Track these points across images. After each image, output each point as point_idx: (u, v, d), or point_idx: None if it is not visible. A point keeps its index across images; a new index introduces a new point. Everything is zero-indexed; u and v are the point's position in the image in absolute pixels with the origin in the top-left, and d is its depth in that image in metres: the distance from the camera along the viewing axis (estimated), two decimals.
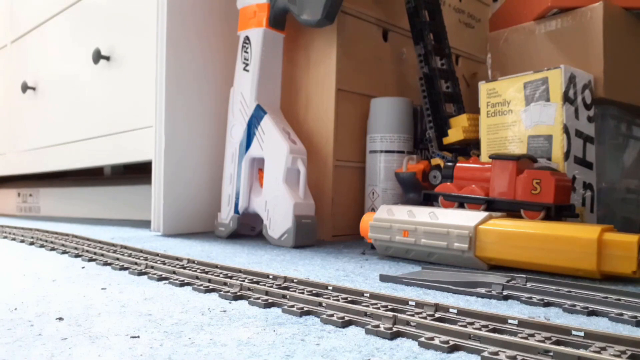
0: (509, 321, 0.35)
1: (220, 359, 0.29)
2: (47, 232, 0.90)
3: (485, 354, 0.29)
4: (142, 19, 0.98)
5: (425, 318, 0.35)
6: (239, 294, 0.44)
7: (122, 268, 0.57)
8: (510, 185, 0.65)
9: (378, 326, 0.34)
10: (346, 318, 0.36)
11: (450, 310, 0.38)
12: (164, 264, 0.57)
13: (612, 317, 0.39)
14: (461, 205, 0.69)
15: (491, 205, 0.66)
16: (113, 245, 0.72)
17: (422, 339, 0.32)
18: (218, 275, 0.50)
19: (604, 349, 0.30)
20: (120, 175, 1.43)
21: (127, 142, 1.02)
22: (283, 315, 0.39)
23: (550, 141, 0.71)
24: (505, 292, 0.46)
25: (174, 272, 0.52)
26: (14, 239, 0.84)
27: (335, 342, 0.32)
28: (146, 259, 0.60)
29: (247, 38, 0.88)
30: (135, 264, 0.57)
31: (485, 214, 0.61)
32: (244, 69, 0.88)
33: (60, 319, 0.37)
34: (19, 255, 0.68)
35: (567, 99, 0.71)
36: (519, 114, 0.74)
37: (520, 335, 0.32)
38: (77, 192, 1.40)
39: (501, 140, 0.76)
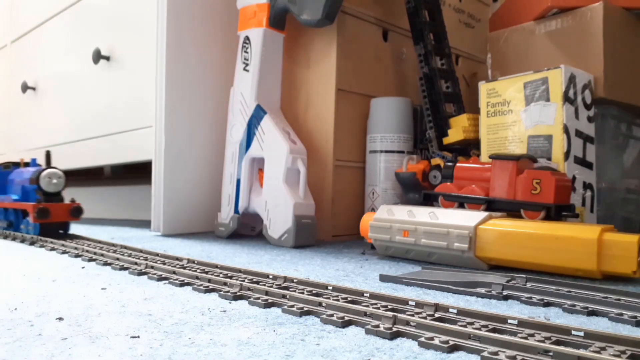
0: (509, 321, 0.34)
1: (220, 359, 0.29)
2: None
3: (485, 354, 0.29)
4: (142, 19, 0.98)
5: (425, 318, 0.35)
6: (239, 294, 0.44)
7: (122, 268, 0.57)
8: (510, 185, 0.65)
9: (378, 326, 0.34)
10: (346, 318, 0.36)
11: (450, 310, 0.38)
12: (164, 264, 0.57)
13: (612, 317, 0.39)
14: (461, 205, 0.69)
15: (491, 205, 0.66)
16: (113, 245, 0.72)
17: (422, 339, 0.32)
18: (218, 275, 0.50)
19: (603, 349, 0.30)
20: (120, 175, 1.43)
21: (127, 142, 1.02)
22: (283, 315, 0.39)
23: (550, 141, 0.71)
24: (505, 292, 0.46)
25: (174, 272, 0.52)
26: (14, 239, 0.84)
27: (335, 342, 0.32)
28: (146, 259, 0.60)
29: (247, 38, 0.88)
30: (135, 264, 0.57)
31: (485, 214, 0.61)
32: (244, 69, 0.88)
33: (60, 319, 0.37)
34: (19, 255, 0.68)
35: (567, 99, 0.71)
36: (519, 114, 0.74)
37: (520, 335, 0.32)
38: (77, 192, 1.40)
39: (501, 140, 0.76)
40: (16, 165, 0.92)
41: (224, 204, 0.89)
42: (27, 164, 0.91)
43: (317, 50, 0.92)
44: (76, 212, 0.81)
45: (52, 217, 0.78)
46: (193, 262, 0.58)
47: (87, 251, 0.66)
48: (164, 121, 0.91)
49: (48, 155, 0.85)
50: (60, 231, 0.83)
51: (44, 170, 0.81)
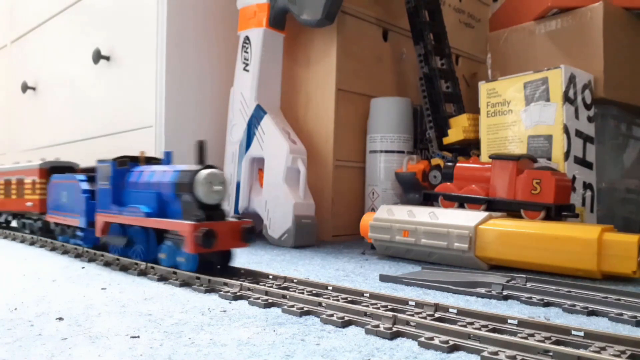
0: (509, 321, 0.34)
1: (220, 359, 0.29)
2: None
3: (485, 353, 0.29)
4: (142, 19, 0.98)
5: (425, 318, 0.35)
6: (239, 294, 0.44)
7: (122, 268, 0.57)
8: (510, 185, 0.65)
9: (378, 326, 0.34)
10: (346, 318, 0.36)
11: (450, 310, 0.38)
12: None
13: (612, 317, 0.39)
14: (461, 205, 0.69)
15: (491, 205, 0.66)
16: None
17: (422, 339, 0.32)
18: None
19: (603, 349, 0.30)
20: None
21: (127, 142, 1.02)
22: (283, 315, 0.39)
23: (550, 141, 0.71)
24: (505, 292, 0.46)
25: (174, 272, 0.52)
26: (14, 239, 0.84)
27: (335, 342, 0.32)
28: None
29: (247, 38, 0.88)
30: (136, 264, 0.57)
31: (485, 214, 0.61)
32: (244, 69, 0.88)
33: (60, 319, 0.37)
34: (19, 255, 0.68)
35: (567, 99, 0.71)
36: (519, 114, 0.74)
37: (520, 335, 0.32)
38: None
39: (501, 140, 0.76)
40: (134, 160, 0.63)
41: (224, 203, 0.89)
42: (150, 160, 0.64)
43: (317, 50, 0.92)
44: (248, 234, 0.52)
45: (218, 244, 0.49)
46: None
47: (87, 251, 0.66)
48: (164, 121, 0.91)
49: (201, 146, 0.55)
50: (215, 263, 0.53)
51: (199, 170, 0.52)
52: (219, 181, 0.52)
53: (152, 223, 0.54)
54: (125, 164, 0.62)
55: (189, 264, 0.50)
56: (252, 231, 0.52)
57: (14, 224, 0.95)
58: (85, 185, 0.67)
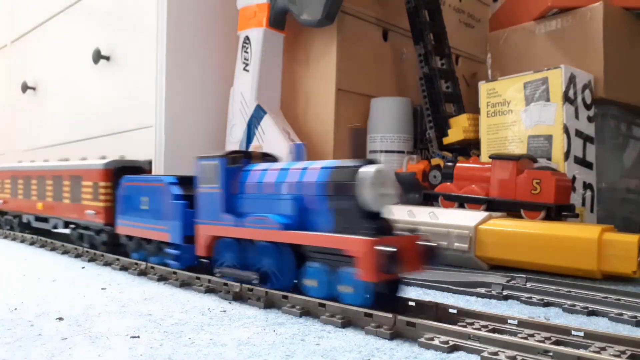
0: (509, 321, 0.34)
1: (220, 359, 0.29)
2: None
3: (485, 354, 0.29)
4: (142, 19, 0.98)
5: (425, 318, 0.35)
6: (239, 294, 0.44)
7: (122, 268, 0.57)
8: (510, 185, 0.65)
9: (378, 326, 0.34)
10: (346, 318, 0.36)
11: (450, 310, 0.38)
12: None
13: (612, 317, 0.39)
14: (461, 205, 0.69)
15: (491, 205, 0.66)
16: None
17: (422, 339, 0.32)
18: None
19: (603, 349, 0.30)
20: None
21: (127, 142, 1.02)
22: (283, 315, 0.39)
23: (550, 141, 0.71)
24: (505, 292, 0.46)
25: (174, 272, 0.52)
26: (14, 239, 0.84)
27: (335, 342, 0.32)
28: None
29: (247, 38, 0.88)
30: (136, 264, 0.57)
31: (485, 214, 0.61)
32: (244, 69, 0.88)
33: (60, 319, 0.37)
34: (19, 255, 0.68)
35: (567, 99, 0.71)
36: (519, 114, 0.74)
37: (520, 335, 0.32)
38: None
39: (501, 140, 0.76)
40: (247, 156, 0.49)
41: None
42: (266, 156, 0.51)
43: (317, 50, 0.92)
44: (433, 255, 0.39)
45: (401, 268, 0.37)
46: None
47: (87, 251, 0.66)
48: (164, 121, 0.91)
49: (358, 134, 0.36)
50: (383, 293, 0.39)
51: (361, 166, 0.38)
52: (390, 181, 0.38)
53: (299, 238, 0.39)
54: (239, 161, 0.48)
55: (359, 296, 0.36)
56: (436, 251, 0.39)
57: (60, 228, 0.76)
58: (178, 190, 0.52)
